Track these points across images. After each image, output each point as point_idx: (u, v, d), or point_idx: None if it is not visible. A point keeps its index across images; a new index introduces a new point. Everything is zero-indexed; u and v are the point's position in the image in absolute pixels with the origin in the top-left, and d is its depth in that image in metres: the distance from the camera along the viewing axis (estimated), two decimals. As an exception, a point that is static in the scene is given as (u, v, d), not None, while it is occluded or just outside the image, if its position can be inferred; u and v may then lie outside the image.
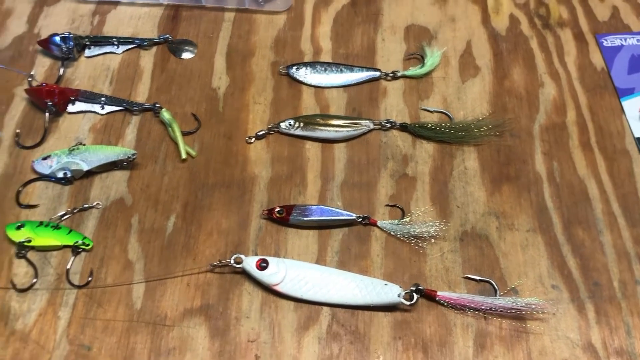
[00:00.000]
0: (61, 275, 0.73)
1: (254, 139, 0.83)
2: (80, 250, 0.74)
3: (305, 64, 0.88)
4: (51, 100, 0.83)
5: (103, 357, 0.67)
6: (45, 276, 0.73)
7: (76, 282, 0.72)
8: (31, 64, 0.91)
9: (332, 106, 0.86)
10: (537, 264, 0.74)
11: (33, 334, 0.69)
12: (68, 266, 0.73)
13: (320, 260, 0.74)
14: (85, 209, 0.77)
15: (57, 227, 0.75)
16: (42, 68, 0.90)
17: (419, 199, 0.79)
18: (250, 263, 0.71)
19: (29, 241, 0.73)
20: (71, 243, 0.74)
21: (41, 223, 0.75)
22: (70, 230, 0.75)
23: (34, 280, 0.72)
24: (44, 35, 0.93)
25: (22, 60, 0.91)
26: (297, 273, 0.71)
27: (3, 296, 0.71)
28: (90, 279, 0.72)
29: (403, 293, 0.70)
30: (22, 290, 0.71)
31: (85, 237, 0.74)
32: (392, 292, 0.70)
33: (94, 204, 0.77)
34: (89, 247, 0.74)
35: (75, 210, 0.77)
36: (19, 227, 0.74)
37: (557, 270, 0.74)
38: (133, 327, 0.69)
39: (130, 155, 0.79)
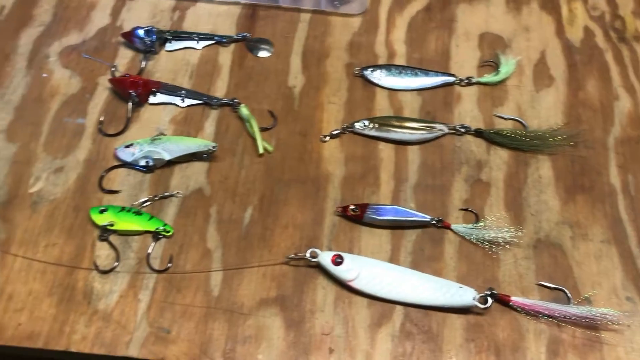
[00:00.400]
0: (142, 259, 0.75)
1: (328, 137, 0.84)
2: (160, 236, 0.76)
3: (380, 67, 0.89)
4: (135, 91, 0.86)
5: (181, 340, 0.69)
6: (126, 259, 0.75)
7: (156, 267, 0.74)
8: (114, 55, 0.94)
9: (406, 109, 0.87)
10: (611, 275, 0.74)
11: (115, 315, 0.71)
12: (149, 251, 0.75)
13: (393, 259, 0.75)
14: (165, 197, 0.80)
15: (138, 213, 0.77)
16: (124, 60, 0.93)
17: (493, 205, 0.79)
18: (325, 258, 0.73)
19: (112, 225, 0.76)
20: (152, 229, 0.76)
21: (123, 208, 0.77)
22: (152, 217, 0.77)
23: (116, 263, 0.74)
24: (126, 28, 0.96)
25: (105, 51, 0.94)
26: (372, 270, 0.72)
27: (86, 276, 0.74)
28: (170, 264, 0.74)
29: (478, 296, 0.70)
30: (105, 272, 0.74)
31: (165, 224, 0.76)
32: (467, 295, 0.70)
33: (174, 192, 0.80)
34: (170, 233, 0.76)
35: (156, 198, 0.79)
36: (102, 211, 0.77)
37: (632, 283, 0.73)
38: (211, 313, 0.71)
39: (211, 148, 0.81)
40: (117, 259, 0.75)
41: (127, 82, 0.85)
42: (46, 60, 0.93)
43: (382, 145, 0.84)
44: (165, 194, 0.80)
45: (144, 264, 0.75)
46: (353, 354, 0.68)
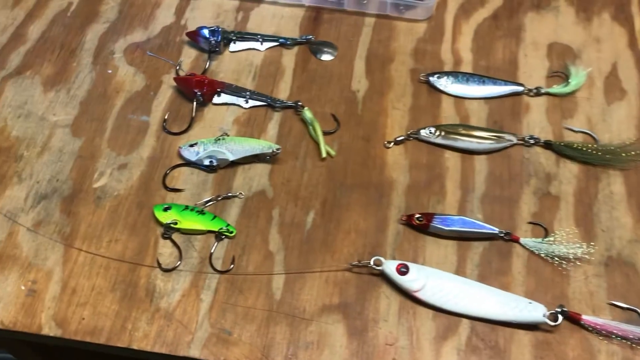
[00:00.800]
0: (204, 259, 0.74)
1: (392, 143, 0.83)
2: (223, 236, 0.76)
3: (447, 73, 0.88)
4: (200, 91, 0.85)
5: (243, 343, 0.68)
6: (188, 258, 0.75)
7: (219, 267, 0.74)
8: (177, 54, 0.94)
9: (473, 117, 0.86)
10: (688, 299, 0.71)
11: (177, 314, 0.71)
12: (212, 251, 0.75)
13: (459, 271, 0.73)
14: (228, 197, 0.79)
15: (201, 212, 0.77)
16: (187, 59, 0.93)
17: (563, 219, 0.77)
18: (390, 267, 0.71)
19: (175, 223, 0.76)
20: (216, 229, 0.76)
21: (187, 207, 0.77)
22: (214, 217, 0.76)
23: (179, 262, 0.74)
24: (191, 27, 0.96)
25: (170, 50, 0.94)
26: (439, 282, 0.71)
27: (149, 274, 0.74)
28: (232, 265, 0.74)
29: (548, 313, 0.68)
30: (167, 270, 0.74)
31: (228, 225, 0.76)
32: (537, 311, 0.68)
33: (237, 193, 0.79)
34: (232, 234, 0.76)
35: (220, 198, 0.79)
36: (166, 209, 0.77)
37: None
38: (272, 317, 0.70)
39: (274, 150, 0.80)
40: (180, 257, 0.74)
41: (193, 82, 0.85)
42: (111, 57, 0.94)
43: (448, 154, 0.82)
44: (229, 194, 0.79)
45: (207, 263, 0.74)
46: (418, 366, 0.67)
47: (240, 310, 0.71)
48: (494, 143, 0.82)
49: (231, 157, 0.81)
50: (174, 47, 0.95)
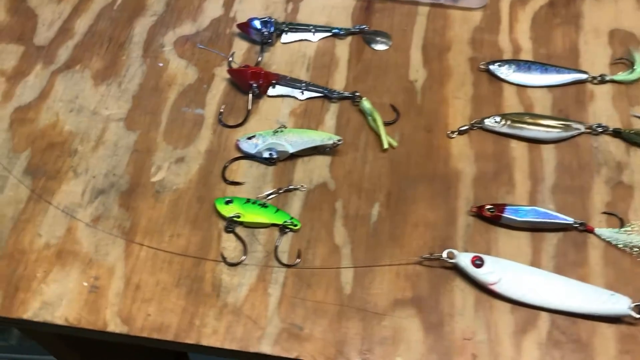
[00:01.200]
0: (269, 252, 0.73)
1: (456, 133, 0.81)
2: (287, 230, 0.74)
3: (508, 62, 0.86)
4: (256, 82, 0.84)
5: (315, 338, 0.66)
6: (253, 252, 0.73)
7: (285, 261, 0.72)
8: (228, 46, 0.92)
9: (537, 106, 0.83)
10: None
11: (245, 309, 0.69)
12: (277, 244, 0.72)
13: (534, 263, 0.71)
14: (290, 190, 0.77)
15: (264, 205, 0.75)
16: (239, 51, 0.92)
17: (638, 209, 0.74)
18: (464, 259, 0.69)
19: (238, 217, 0.74)
20: (280, 222, 0.74)
21: (248, 200, 0.75)
22: (277, 210, 0.75)
23: (244, 256, 0.72)
24: (239, 19, 0.94)
25: (220, 43, 0.93)
26: (515, 274, 0.68)
27: (214, 268, 0.72)
28: (298, 259, 0.71)
29: (633, 305, 0.65)
30: (233, 265, 0.72)
31: (292, 218, 0.74)
32: (620, 303, 0.66)
33: (299, 186, 0.77)
34: (297, 227, 0.74)
35: (281, 191, 0.77)
36: (227, 202, 0.75)
37: None
38: (344, 311, 0.68)
39: (335, 141, 0.78)
40: (245, 251, 0.72)
41: (249, 74, 0.84)
42: (161, 50, 0.92)
43: (514, 143, 0.80)
44: (290, 187, 0.77)
45: (272, 257, 0.72)
46: (498, 361, 0.64)
47: (310, 304, 0.69)
48: (562, 132, 0.79)
49: (291, 149, 0.79)
50: (224, 39, 0.93)
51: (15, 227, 0.76)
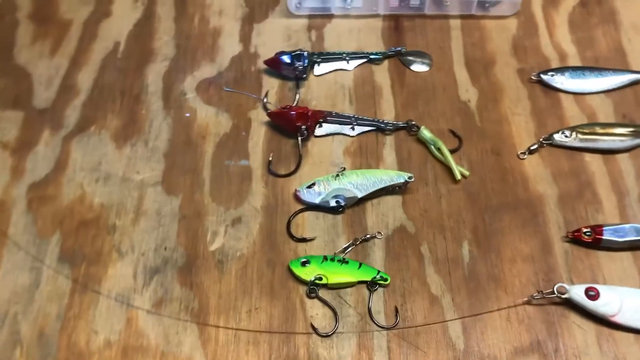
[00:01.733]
0: (363, 315, 0.66)
1: (527, 154, 0.76)
2: (377, 286, 0.67)
3: (561, 70, 0.82)
4: (304, 124, 0.76)
5: (440, 406, 0.60)
6: (345, 317, 0.65)
7: (383, 323, 0.65)
8: (257, 85, 0.84)
9: (599, 114, 0.80)
10: None
11: (353, 384, 0.61)
12: (369, 305, 0.65)
13: (645, 285, 0.67)
14: (367, 240, 0.70)
15: (344, 261, 0.68)
16: (271, 90, 0.84)
17: None
18: (577, 293, 0.64)
19: (321, 279, 0.66)
20: (368, 279, 0.66)
21: (326, 258, 0.68)
22: (361, 264, 0.67)
23: (336, 324, 0.65)
24: (262, 54, 0.87)
25: (247, 82, 0.85)
26: (636, 301, 0.64)
27: (307, 342, 0.64)
28: (398, 319, 0.65)
29: None
30: (326, 336, 0.64)
31: (379, 271, 0.67)
32: None
33: (375, 233, 0.70)
34: (387, 282, 0.67)
35: (358, 242, 0.70)
36: (304, 264, 0.67)
37: None
38: (462, 370, 0.62)
39: (407, 179, 0.72)
40: (336, 318, 0.65)
41: (295, 115, 0.76)
42: (184, 98, 0.83)
43: (588, 157, 0.76)
44: (367, 236, 0.70)
45: (367, 320, 0.65)
46: (639, 400, 0.60)
47: (424, 368, 0.62)
48: (635, 138, 0.76)
49: (360, 194, 0.72)
50: (251, 78, 0.85)
51: (64, 326, 0.65)
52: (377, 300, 0.66)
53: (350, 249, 0.70)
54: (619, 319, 0.63)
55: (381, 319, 0.65)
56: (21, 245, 0.71)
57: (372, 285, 0.67)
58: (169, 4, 0.92)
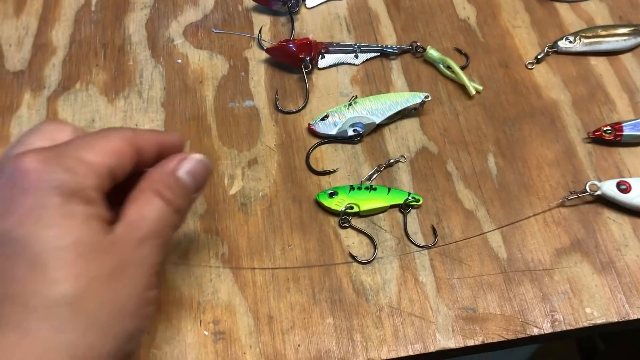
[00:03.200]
0: (400, 238, 0.64)
1: (534, 63, 0.75)
2: (409, 208, 0.65)
3: (554, -21, 0.80)
4: (307, 55, 0.73)
5: (494, 315, 0.59)
6: (383, 242, 0.63)
7: (423, 243, 0.63)
8: (248, 24, 0.80)
9: (597, 18, 0.79)
10: None
11: (404, 306, 0.60)
12: (405, 227, 0.64)
13: (669, 174, 0.67)
14: (391, 165, 0.68)
15: (372, 188, 0.65)
16: (263, 27, 0.79)
17: None
18: (609, 188, 0.64)
19: (352, 208, 0.64)
20: (400, 202, 0.65)
21: (352, 187, 0.65)
22: (389, 189, 0.65)
23: (375, 251, 0.63)
24: (246, -8, 0.82)
25: (236, 22, 0.80)
26: (665, 189, 0.64)
27: (348, 272, 0.62)
28: (436, 238, 0.63)
29: None
30: (367, 262, 0.62)
31: (411, 193, 0.65)
32: None
33: (398, 157, 0.68)
34: (419, 202, 0.65)
35: (382, 168, 0.68)
36: (332, 195, 0.65)
37: None
38: (509, 278, 0.61)
39: (423, 99, 0.70)
40: (374, 244, 0.63)
41: (297, 46, 0.72)
42: (172, 45, 0.78)
43: (593, 60, 0.76)
44: (391, 160, 0.68)
45: (406, 242, 0.63)
46: (683, 282, 0.61)
47: (471, 281, 0.61)
48: (636, 37, 0.76)
49: (377, 119, 0.69)
50: (240, 17, 0.80)
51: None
52: (412, 222, 0.65)
53: (375, 176, 0.67)
54: (652, 209, 0.64)
55: (419, 239, 0.64)
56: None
57: (405, 207, 0.65)
58: (137, -50, 0.86)
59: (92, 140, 0.43)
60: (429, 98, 0.70)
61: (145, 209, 0.43)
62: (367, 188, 0.65)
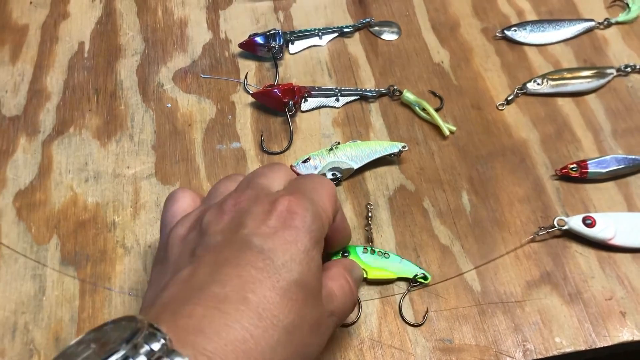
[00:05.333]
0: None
1: (505, 104, 0.80)
2: (418, 283, 0.66)
3: (522, 24, 0.86)
4: (291, 99, 0.77)
5: (469, 345, 0.63)
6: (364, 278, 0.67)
7: (404, 290, 0.66)
8: (234, 69, 0.84)
9: (563, 61, 0.84)
10: None
11: (384, 338, 0.63)
12: (400, 302, 0.67)
13: (632, 208, 0.72)
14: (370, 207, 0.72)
15: (385, 254, 0.67)
16: (249, 71, 0.84)
17: (693, 134, 0.78)
18: (576, 222, 0.68)
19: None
20: (410, 276, 0.66)
21: (365, 249, 0.66)
22: (402, 259, 0.67)
23: (359, 310, 0.65)
24: (232, 38, 0.87)
25: (223, 67, 0.84)
26: (627, 223, 0.69)
27: (331, 306, 0.65)
28: (416, 282, 0.67)
29: None
30: (352, 324, 0.65)
31: (421, 268, 0.67)
32: None
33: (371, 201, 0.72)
34: (427, 280, 0.66)
35: (371, 208, 0.71)
36: (344, 254, 0.67)
37: None
38: (483, 310, 0.65)
39: (401, 149, 0.74)
40: (359, 305, 0.66)
41: (282, 92, 0.76)
42: (162, 89, 0.82)
43: (560, 101, 0.81)
44: (369, 205, 0.72)
45: (386, 286, 0.67)
46: (646, 311, 0.65)
47: (448, 314, 0.65)
48: (600, 79, 0.81)
49: (356, 165, 0.73)
50: (227, 63, 0.85)
51: (81, 328, 0.64)
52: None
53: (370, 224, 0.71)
54: (615, 242, 0.68)
55: (401, 284, 0.67)
56: (18, 254, 0.68)
57: (413, 282, 0.66)
58: (128, -1, 0.90)
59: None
60: (406, 148, 0.74)
61: (338, 290, 0.52)
62: (380, 253, 0.66)
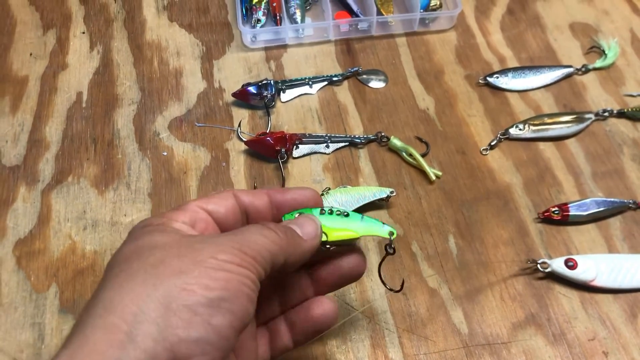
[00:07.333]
0: (371, 317, 0.69)
1: (488, 150, 0.83)
2: (390, 247, 0.57)
3: (503, 71, 0.90)
4: (283, 147, 0.80)
5: (458, 388, 0.64)
6: (355, 321, 0.69)
7: (390, 321, 0.69)
8: (228, 117, 0.87)
9: (543, 106, 0.88)
10: None
11: (375, 382, 0.65)
12: (380, 266, 0.68)
13: (611, 250, 0.75)
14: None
15: (345, 214, 0.56)
16: (242, 120, 0.87)
17: (669, 176, 0.81)
18: (559, 265, 0.71)
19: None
20: (376, 233, 0.56)
21: (323, 211, 0.56)
22: (363, 216, 0.57)
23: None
24: (226, 88, 0.90)
25: (217, 116, 0.87)
26: (608, 265, 0.71)
27: (324, 351, 0.67)
28: (403, 285, 0.69)
29: None
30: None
31: (384, 223, 0.58)
32: None
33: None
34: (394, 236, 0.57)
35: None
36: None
37: None
38: (471, 351, 0.67)
39: (389, 194, 0.77)
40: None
41: (274, 140, 0.80)
42: (158, 138, 0.85)
43: (542, 145, 0.84)
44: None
45: (375, 321, 0.69)
46: (628, 351, 0.67)
47: (436, 356, 0.67)
48: (579, 124, 0.84)
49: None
50: (221, 111, 0.88)
51: (79, 376, 0.65)
52: (381, 300, 0.70)
53: (346, 257, 0.73)
54: (597, 283, 0.70)
55: (388, 318, 0.69)
56: (17, 303, 0.70)
57: (388, 245, 0.57)
58: (125, 50, 0.94)
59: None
60: (394, 193, 0.77)
61: None
62: (339, 213, 0.56)
